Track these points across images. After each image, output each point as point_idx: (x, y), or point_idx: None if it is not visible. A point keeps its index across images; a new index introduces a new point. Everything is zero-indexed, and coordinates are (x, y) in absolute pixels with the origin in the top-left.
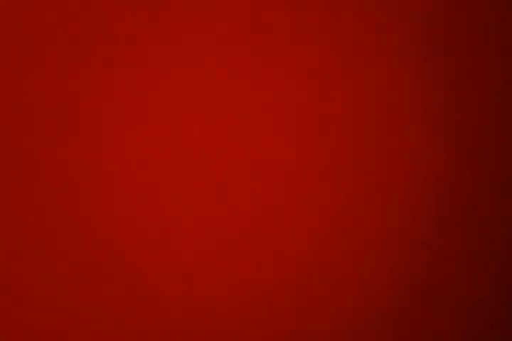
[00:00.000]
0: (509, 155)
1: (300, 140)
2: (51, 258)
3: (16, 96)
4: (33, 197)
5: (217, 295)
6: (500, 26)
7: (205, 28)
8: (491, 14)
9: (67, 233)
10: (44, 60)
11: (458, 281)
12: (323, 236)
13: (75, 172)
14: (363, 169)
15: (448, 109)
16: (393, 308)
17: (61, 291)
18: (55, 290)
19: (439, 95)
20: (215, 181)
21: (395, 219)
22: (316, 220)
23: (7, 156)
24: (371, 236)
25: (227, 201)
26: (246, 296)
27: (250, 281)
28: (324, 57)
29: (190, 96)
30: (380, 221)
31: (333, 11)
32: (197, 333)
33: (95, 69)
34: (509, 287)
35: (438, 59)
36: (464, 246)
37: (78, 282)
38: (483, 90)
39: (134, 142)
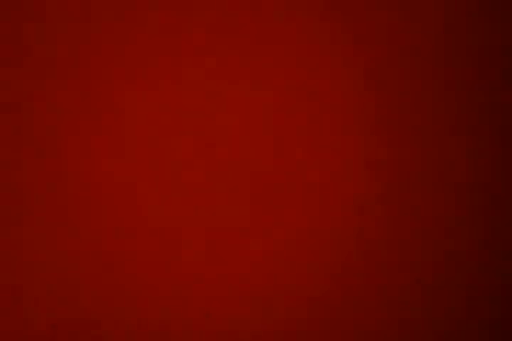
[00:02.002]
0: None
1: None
2: (51, 260)
3: (14, 96)
4: (32, 197)
5: (214, 295)
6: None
7: (203, 27)
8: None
9: (66, 234)
10: (44, 61)
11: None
12: (320, 237)
13: (72, 172)
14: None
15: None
16: (391, 308)
17: (61, 291)
18: (55, 291)
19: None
20: (213, 182)
21: (394, 219)
22: (311, 220)
23: (6, 158)
24: (369, 235)
25: (226, 202)
26: (242, 296)
27: (248, 282)
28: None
29: (188, 97)
30: (380, 220)
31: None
32: (196, 333)
33: (94, 69)
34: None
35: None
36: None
37: (77, 282)
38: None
39: (132, 143)
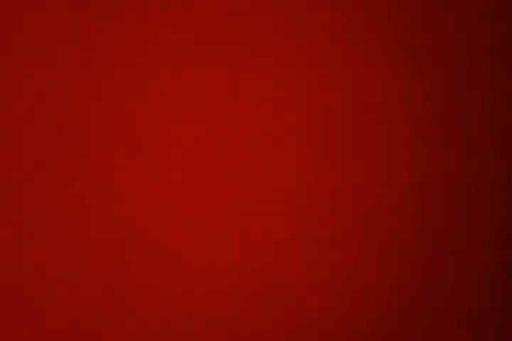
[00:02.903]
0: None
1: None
2: (51, 260)
3: (16, 99)
4: (32, 199)
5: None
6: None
7: (203, 27)
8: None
9: (65, 235)
10: (46, 67)
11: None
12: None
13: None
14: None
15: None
16: (388, 309)
17: (62, 292)
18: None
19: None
20: (212, 189)
21: (392, 219)
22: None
23: (7, 159)
24: (365, 236)
25: (224, 208)
26: (241, 296)
27: (246, 282)
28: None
29: (186, 100)
30: (374, 221)
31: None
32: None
33: (92, 73)
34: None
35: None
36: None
37: (77, 281)
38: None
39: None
